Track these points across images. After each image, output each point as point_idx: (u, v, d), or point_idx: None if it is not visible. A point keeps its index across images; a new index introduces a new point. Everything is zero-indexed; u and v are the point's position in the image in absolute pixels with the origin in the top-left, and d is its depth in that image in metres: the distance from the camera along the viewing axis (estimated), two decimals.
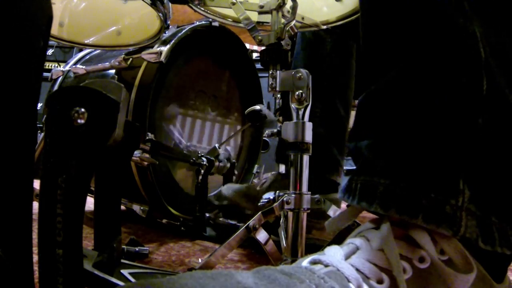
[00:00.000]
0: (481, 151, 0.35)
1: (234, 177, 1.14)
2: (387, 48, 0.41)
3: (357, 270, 0.33)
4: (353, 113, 1.09)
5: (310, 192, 0.61)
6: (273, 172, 1.08)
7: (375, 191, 0.37)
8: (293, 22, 0.71)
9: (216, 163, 1.04)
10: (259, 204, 0.70)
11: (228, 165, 1.08)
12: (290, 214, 0.60)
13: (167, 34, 1.10)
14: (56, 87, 1.25)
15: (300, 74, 0.62)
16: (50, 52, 2.01)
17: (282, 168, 1.10)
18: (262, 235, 0.64)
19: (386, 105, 0.40)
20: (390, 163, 0.38)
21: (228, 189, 0.98)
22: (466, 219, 0.34)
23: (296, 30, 0.74)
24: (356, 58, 1.06)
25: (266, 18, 0.76)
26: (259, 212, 0.63)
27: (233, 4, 0.75)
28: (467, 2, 0.37)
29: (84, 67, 1.19)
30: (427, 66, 0.37)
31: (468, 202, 0.34)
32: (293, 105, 0.62)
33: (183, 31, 1.11)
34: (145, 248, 0.80)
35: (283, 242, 0.64)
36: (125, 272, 0.51)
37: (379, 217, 0.39)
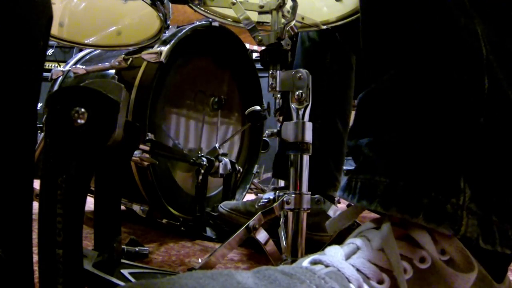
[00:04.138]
0: (482, 150, 0.35)
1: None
2: (388, 46, 0.41)
3: (358, 270, 0.33)
4: (353, 113, 1.09)
5: (310, 192, 0.61)
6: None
7: (376, 189, 0.37)
8: (293, 22, 0.71)
9: (216, 163, 1.04)
10: (259, 204, 0.70)
11: (231, 170, 1.08)
12: (290, 214, 0.60)
13: (167, 34, 1.10)
14: (56, 87, 1.25)
15: (300, 74, 0.62)
16: (50, 52, 2.01)
17: (281, 184, 1.10)
18: (262, 235, 0.64)
19: (386, 103, 0.40)
20: (390, 162, 0.38)
21: (224, 206, 0.98)
22: (467, 218, 0.34)
23: (296, 30, 0.74)
24: (355, 64, 1.05)
25: (266, 18, 0.76)
26: (259, 212, 0.63)
27: (233, 4, 0.75)
28: (469, 1, 0.37)
29: (84, 67, 1.19)
30: (428, 64, 0.37)
31: (469, 201, 0.34)
32: (293, 105, 0.62)
33: (183, 31, 1.11)
34: (145, 248, 0.80)
35: (283, 242, 0.64)
36: (125, 272, 0.51)
37: (380, 217, 0.39)
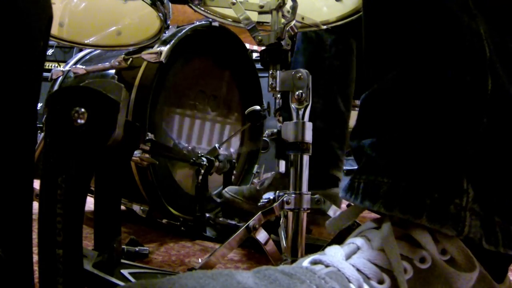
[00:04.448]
0: (485, 151, 0.35)
1: (233, 177, 1.14)
2: (391, 46, 0.41)
3: (358, 270, 0.33)
4: (353, 112, 1.09)
5: (310, 192, 0.61)
6: (272, 172, 1.08)
7: (378, 190, 0.37)
8: (293, 22, 0.71)
9: (216, 163, 1.04)
10: (259, 204, 0.70)
11: (228, 165, 1.08)
12: (290, 214, 0.60)
13: (167, 34, 1.10)
14: (56, 87, 1.25)
15: (300, 74, 0.62)
16: (50, 52, 2.01)
17: (282, 168, 1.10)
18: (262, 235, 0.64)
19: (389, 104, 0.40)
20: (393, 162, 0.38)
21: (229, 191, 0.98)
22: (470, 219, 0.34)
23: (296, 30, 0.74)
24: (356, 56, 1.06)
25: (266, 18, 0.76)
26: (259, 212, 0.63)
27: (233, 4, 0.75)
28: (472, 1, 0.37)
29: (84, 67, 1.19)
30: (431, 64, 0.37)
31: (472, 202, 0.34)
32: (293, 105, 0.62)
33: (183, 31, 1.11)
34: (145, 248, 0.80)
35: (283, 242, 0.64)
36: (125, 272, 0.51)
37: (380, 216, 0.39)
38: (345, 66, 1.05)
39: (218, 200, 1.03)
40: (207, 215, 1.03)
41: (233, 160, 1.12)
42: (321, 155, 0.93)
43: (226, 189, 1.00)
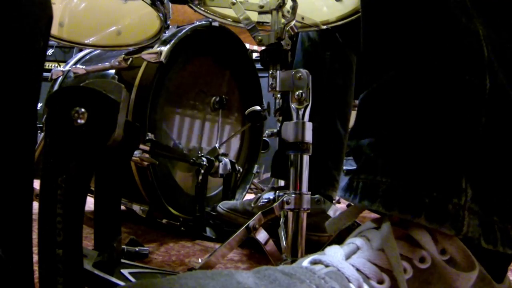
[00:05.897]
0: (483, 150, 0.35)
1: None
2: (390, 46, 0.41)
3: (358, 270, 0.33)
4: (353, 113, 1.09)
5: (310, 192, 0.61)
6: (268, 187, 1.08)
7: (377, 190, 0.37)
8: (293, 22, 0.71)
9: (216, 163, 1.04)
10: (259, 204, 0.70)
11: (230, 169, 1.08)
12: (290, 214, 0.60)
13: (167, 34, 1.10)
14: (56, 87, 1.25)
15: (300, 74, 0.62)
16: (50, 52, 2.01)
17: (281, 182, 1.10)
18: (262, 235, 0.64)
19: (388, 104, 0.40)
20: (392, 162, 0.38)
21: (223, 206, 0.98)
22: (468, 218, 0.34)
23: (296, 30, 0.74)
24: (356, 65, 1.05)
25: (266, 18, 0.76)
26: (259, 212, 0.63)
27: (233, 4, 0.75)
28: (470, 1, 0.37)
29: (84, 67, 1.19)
30: (430, 64, 0.37)
31: (471, 201, 0.34)
32: (293, 105, 0.62)
33: (183, 31, 1.11)
34: (145, 248, 0.80)
35: (283, 242, 0.64)
36: (125, 272, 0.51)
37: (380, 216, 0.39)
38: (344, 83, 1.03)
39: (213, 213, 1.03)
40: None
41: (239, 168, 1.12)
42: (317, 176, 0.92)
43: (220, 204, 1.00)
